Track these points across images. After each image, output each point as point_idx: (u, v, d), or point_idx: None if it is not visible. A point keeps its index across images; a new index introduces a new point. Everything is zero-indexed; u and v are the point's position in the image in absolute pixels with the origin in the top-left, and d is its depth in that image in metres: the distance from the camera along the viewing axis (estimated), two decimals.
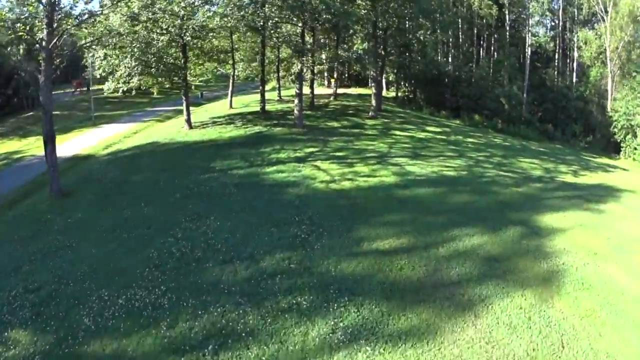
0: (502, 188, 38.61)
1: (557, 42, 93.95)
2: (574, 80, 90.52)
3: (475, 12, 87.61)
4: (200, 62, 63.83)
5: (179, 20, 49.44)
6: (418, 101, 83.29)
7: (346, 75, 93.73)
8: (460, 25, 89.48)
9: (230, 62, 68.49)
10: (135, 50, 48.99)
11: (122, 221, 30.46)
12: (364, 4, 58.82)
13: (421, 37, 70.83)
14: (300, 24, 54.03)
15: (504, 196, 36.53)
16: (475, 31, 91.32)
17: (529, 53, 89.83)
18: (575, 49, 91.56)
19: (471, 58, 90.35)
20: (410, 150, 48.04)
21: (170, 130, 57.53)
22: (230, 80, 70.62)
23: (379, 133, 54.28)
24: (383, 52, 68.07)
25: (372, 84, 64.49)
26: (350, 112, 64.79)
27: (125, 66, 50.38)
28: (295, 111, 53.82)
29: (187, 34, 50.58)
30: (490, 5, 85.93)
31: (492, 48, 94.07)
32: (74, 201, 35.01)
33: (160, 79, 56.66)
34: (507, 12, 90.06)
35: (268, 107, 64.86)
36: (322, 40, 66.93)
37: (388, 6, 60.11)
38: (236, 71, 71.41)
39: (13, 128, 77.88)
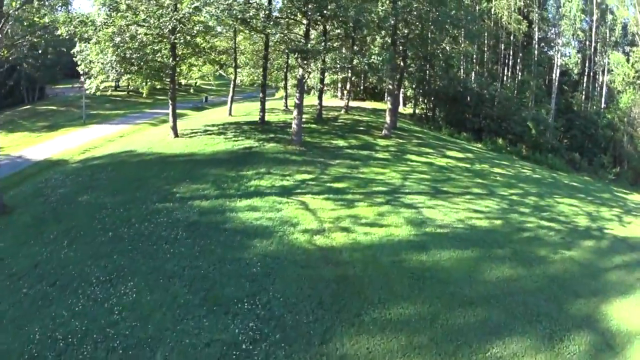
0: (550, 251, 27.38)
1: (586, 64, 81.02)
2: (602, 106, 78.44)
3: (503, 26, 74.87)
4: (194, 62, 52.43)
5: (161, 10, 38.96)
6: (437, 120, 70.85)
7: (361, 87, 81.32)
8: (486, 40, 76.60)
9: (233, 65, 57.97)
10: (112, 44, 38.89)
11: (33, 266, 23.16)
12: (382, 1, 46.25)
13: (446, 47, 57.65)
14: (304, 21, 41.52)
15: (554, 268, 25.72)
16: (502, 47, 78.09)
17: (558, 74, 77.23)
18: (606, 72, 79.17)
19: (495, 77, 77.25)
20: (429, 184, 36.24)
21: (154, 137, 47.53)
22: (231, 86, 58.88)
23: (392, 157, 42.28)
24: (402, 64, 55.46)
25: (388, 98, 52.02)
26: (361, 128, 52.80)
27: (100, 62, 40.02)
28: (294, 125, 41.97)
29: (168, 26, 38.65)
30: (520, 20, 73.71)
31: (517, 67, 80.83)
32: (7, 222, 28.37)
33: (146, 78, 46.54)
34: (536, 28, 77.57)
35: (270, 117, 54.03)
36: (334, 45, 54.68)
37: (410, 7, 47.22)
38: (240, 76, 60.23)
39: (5, 121, 70.49)
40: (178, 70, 48.88)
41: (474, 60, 75.49)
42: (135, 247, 24.01)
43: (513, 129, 69.10)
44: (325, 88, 76.39)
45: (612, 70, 77.77)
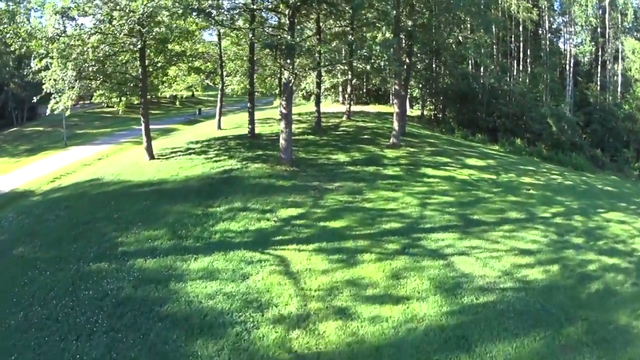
0: (629, 314, 18.09)
1: (599, 52, 70.48)
2: (618, 96, 67.88)
3: (512, 16, 64.31)
4: (172, 72, 44.51)
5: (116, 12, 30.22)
6: (448, 121, 60.52)
7: (364, 90, 71.09)
8: (494, 31, 66.04)
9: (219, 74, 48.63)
10: (66, 58, 30.85)
11: None
12: None
13: (459, 36, 47.10)
14: (287, 11, 31.65)
15: None
16: (512, 38, 67.42)
17: (572, 65, 66.90)
18: (620, 60, 68.37)
19: (506, 70, 66.57)
20: (454, 211, 26.45)
21: (130, 159, 38.18)
22: (219, 96, 49.09)
23: (404, 173, 32.48)
24: (408, 60, 45.30)
25: (394, 101, 41.52)
26: (366, 137, 43.08)
27: (61, 79, 31.65)
28: (282, 141, 32.40)
29: (124, 29, 29.42)
30: (529, 9, 63.06)
31: (528, 60, 70.06)
32: None
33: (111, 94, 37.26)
34: (546, 17, 67.22)
35: (263, 129, 44.78)
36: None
37: None
38: (230, 85, 50.93)
39: None
40: (152, 82, 39.84)
41: (489, 52, 65.01)
42: (40, 344, 15.75)
43: (531, 127, 59.32)
44: (325, 93, 66.74)
45: (627, 58, 67.78)
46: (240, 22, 30.58)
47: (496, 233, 23.59)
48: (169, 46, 37.16)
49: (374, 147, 38.44)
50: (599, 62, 70.96)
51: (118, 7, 30.12)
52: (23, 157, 53.04)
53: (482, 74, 64.21)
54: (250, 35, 33.65)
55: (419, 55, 51.01)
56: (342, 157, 34.63)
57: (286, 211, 24.69)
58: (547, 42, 69.91)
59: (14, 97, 75.82)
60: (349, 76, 51.79)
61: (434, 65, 60.89)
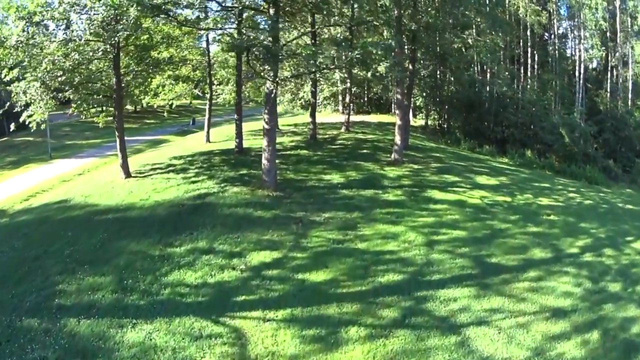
0: None
1: (609, 57, 64.32)
2: (629, 103, 61.79)
3: (519, 19, 58.42)
4: (155, 80, 40.10)
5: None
6: (453, 132, 54.74)
7: (365, 99, 65.44)
8: (500, 35, 60.26)
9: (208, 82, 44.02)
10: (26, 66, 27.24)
11: None
12: None
13: (469, 40, 41.21)
14: (271, 11, 26.09)
15: None
16: (521, 43, 61.41)
17: (582, 71, 61.00)
18: (630, 65, 62.14)
19: (514, 77, 60.56)
20: (468, 253, 21.03)
21: (106, 176, 33.08)
22: (207, 107, 43.77)
23: (407, 198, 27.00)
24: (411, 66, 39.64)
25: (397, 112, 35.87)
26: (365, 151, 37.70)
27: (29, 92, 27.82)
28: (264, 161, 27.02)
29: (87, 33, 25.57)
30: (538, 12, 57.20)
31: (535, 65, 63.98)
32: None
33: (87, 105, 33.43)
34: (555, 20, 61.39)
35: (255, 142, 39.13)
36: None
37: None
38: (222, 94, 45.80)
39: None
40: (132, 91, 35.89)
41: (499, 57, 59.05)
42: None
43: (542, 138, 53.45)
44: (325, 102, 61.19)
45: (637, 63, 62.06)
46: (211, 23, 24.84)
47: (520, 284, 18.19)
48: (153, 53, 32.89)
49: (373, 164, 32.99)
50: (609, 68, 65.01)
51: (76, 9, 24.73)
52: (6, 170, 47.90)
53: (488, 80, 58.33)
54: (227, 38, 27.96)
55: (422, 62, 45.33)
56: (336, 178, 29.21)
57: (258, 255, 19.42)
58: (556, 47, 64.00)
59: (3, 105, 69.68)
60: (348, 84, 46.27)
61: (438, 73, 55.18)
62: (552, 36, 64.83)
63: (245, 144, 36.96)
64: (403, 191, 27.63)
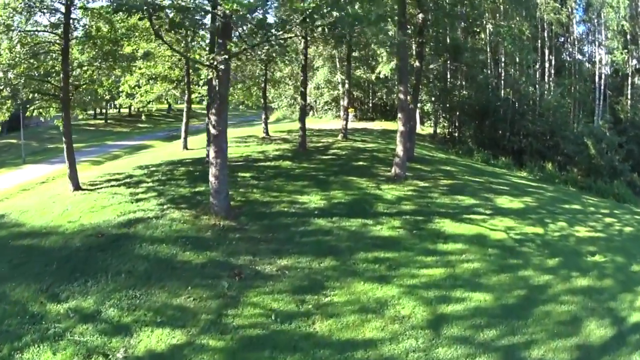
0: None
1: (630, 62, 54.70)
2: None
3: (537, 18, 48.85)
4: (125, 79, 33.87)
5: None
6: (465, 141, 45.55)
7: (369, 105, 56.40)
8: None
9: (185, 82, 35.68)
10: None
11: None
12: None
13: (489, 26, 31.43)
14: None
15: None
16: (539, 44, 51.70)
17: (605, 75, 51.72)
18: None
19: (532, 81, 50.78)
20: (496, 340, 12.20)
21: (58, 188, 25.75)
22: (185, 110, 35.17)
23: (407, 233, 18.24)
24: (418, 63, 30.44)
25: (399, 116, 26.35)
26: (361, 163, 29.08)
27: None
28: (211, 178, 18.31)
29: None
30: (557, 9, 47.91)
31: (552, 69, 54.19)
32: None
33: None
34: (575, 20, 52.15)
35: (237, 149, 31.30)
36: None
37: None
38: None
39: None
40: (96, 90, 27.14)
41: (503, 60, 49.42)
42: None
43: (563, 149, 44.18)
44: (326, 108, 52.39)
45: None
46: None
47: None
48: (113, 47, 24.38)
49: (368, 180, 24.26)
50: (630, 73, 55.33)
51: None
52: None
53: (502, 84, 48.96)
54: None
55: (431, 56, 35.98)
56: (314, 200, 20.51)
57: (152, 336, 11.39)
58: (576, 48, 54.57)
59: None
60: (346, 85, 37.39)
61: (448, 75, 46.11)
62: (571, 37, 55.34)
63: (229, 153, 28.23)
64: (402, 221, 18.80)
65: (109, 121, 65.08)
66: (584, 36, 57.92)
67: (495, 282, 14.67)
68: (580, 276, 16.15)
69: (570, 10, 52.05)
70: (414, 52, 30.93)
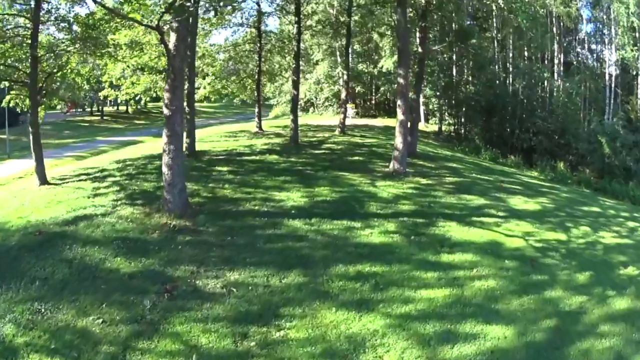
0: None
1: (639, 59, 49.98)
2: None
3: (546, 12, 44.23)
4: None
5: None
6: (472, 138, 41.15)
7: (372, 102, 52.01)
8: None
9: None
10: None
11: None
12: None
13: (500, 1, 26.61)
14: None
15: None
16: (548, 39, 47.08)
17: (614, 74, 47.07)
18: None
19: (540, 77, 46.01)
20: None
21: (28, 183, 21.77)
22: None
23: (403, 239, 13.95)
24: (421, 49, 26.06)
25: (398, 103, 21.88)
26: (357, 158, 24.74)
27: None
28: (164, 169, 14.20)
29: None
30: (567, 2, 43.43)
31: (562, 66, 49.42)
32: None
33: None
34: (585, 15, 47.67)
35: (227, 144, 27.93)
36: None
37: None
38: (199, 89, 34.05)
39: None
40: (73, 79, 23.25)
41: (511, 55, 44.67)
42: None
43: (575, 148, 39.65)
44: (326, 104, 48.25)
45: None
46: None
47: None
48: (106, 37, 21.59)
49: (362, 176, 20.03)
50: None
51: None
52: None
53: (511, 79, 44.42)
54: None
55: (435, 41, 31.46)
56: (294, 198, 16.36)
57: None
58: (586, 47, 49.89)
59: None
60: (345, 77, 33.19)
61: (454, 70, 41.81)
62: (579, 35, 50.76)
63: (211, 147, 26.13)
64: (398, 224, 14.58)
65: (105, 118, 61.08)
66: (592, 34, 53.39)
67: (516, 309, 10.48)
68: (617, 296, 12.08)
69: (578, 6, 47.62)
70: (417, 39, 26.60)
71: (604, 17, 49.02)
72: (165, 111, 13.88)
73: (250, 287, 10.44)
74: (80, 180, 18.98)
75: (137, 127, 53.46)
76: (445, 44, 29.29)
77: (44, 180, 18.98)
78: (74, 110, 63.72)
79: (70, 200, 15.98)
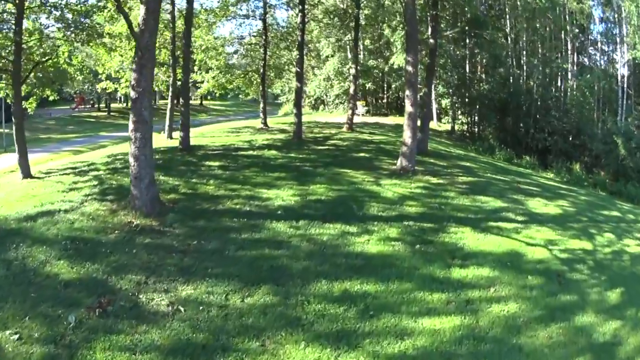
0: None
1: None
2: None
3: (560, 7, 40.92)
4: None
5: None
6: (486, 138, 38.17)
7: (384, 101, 49.14)
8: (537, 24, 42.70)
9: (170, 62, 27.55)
10: None
11: None
12: None
13: None
14: None
15: None
16: (563, 35, 43.67)
17: (626, 74, 43.85)
18: None
19: (558, 67, 42.68)
20: None
21: (13, 176, 19.01)
22: (169, 96, 28.76)
23: (407, 247, 11.18)
24: (432, 40, 23.33)
25: (407, 94, 19.05)
26: (362, 154, 21.98)
27: None
28: (130, 160, 11.47)
29: None
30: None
31: (574, 64, 46.02)
32: None
33: None
34: (598, 11, 44.50)
35: (227, 139, 25.35)
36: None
37: None
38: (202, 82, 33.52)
39: None
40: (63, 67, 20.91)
41: (525, 51, 41.53)
42: None
43: (591, 149, 36.48)
44: (337, 101, 45.72)
45: None
46: None
47: None
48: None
49: (366, 173, 17.43)
50: None
51: None
52: None
53: (525, 76, 41.35)
54: None
55: (449, 27, 28.51)
56: (284, 196, 13.89)
57: None
58: (598, 45, 46.60)
59: None
60: (353, 71, 30.57)
61: (467, 68, 38.97)
62: (592, 35, 47.52)
63: (210, 141, 24.02)
64: (402, 230, 12.00)
65: (112, 113, 58.84)
66: (603, 34, 50.06)
67: (543, 343, 7.91)
68: None
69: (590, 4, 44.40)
70: (429, 29, 23.88)
71: (615, 16, 45.84)
72: (132, 93, 11.48)
73: (202, 307, 7.98)
74: (63, 174, 16.99)
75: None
76: (458, 29, 26.39)
77: (27, 174, 17.15)
78: (83, 106, 61.93)
79: (44, 194, 14.04)
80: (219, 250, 9.97)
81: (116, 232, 10.74)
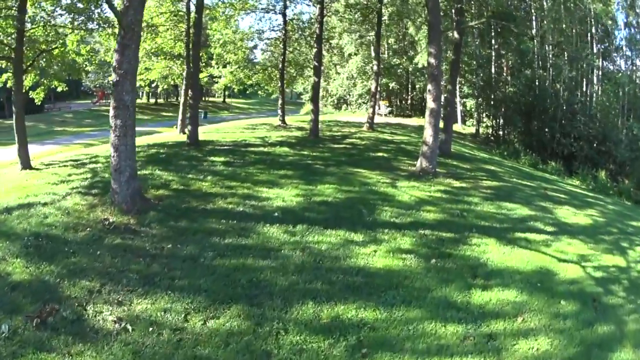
0: None
1: None
2: None
3: (584, 8, 38.15)
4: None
5: None
6: (512, 142, 35.86)
7: (407, 101, 47.07)
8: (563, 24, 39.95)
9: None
10: None
11: None
12: None
13: None
14: None
15: None
16: (589, 37, 40.91)
17: None
18: None
19: (589, 62, 39.76)
20: None
21: (12, 168, 17.07)
22: (183, 90, 27.16)
23: (421, 261, 9.32)
24: (457, 35, 21.32)
25: (428, 88, 16.98)
26: (381, 154, 20.00)
27: None
28: (111, 151, 10.17)
29: None
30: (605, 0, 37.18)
31: (599, 70, 42.96)
32: None
33: None
34: (618, 17, 41.60)
35: (242, 135, 23.67)
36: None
37: None
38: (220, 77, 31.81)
39: None
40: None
41: (551, 53, 38.96)
42: None
43: (617, 155, 34.07)
44: (359, 100, 43.99)
45: None
46: None
47: None
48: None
49: (383, 174, 15.65)
50: None
51: None
52: None
53: (551, 79, 38.76)
54: None
55: (474, 24, 26.28)
56: (285, 196, 12.21)
57: None
58: (623, 50, 43.77)
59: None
60: (375, 68, 28.72)
61: (492, 67, 36.68)
62: (616, 41, 44.74)
63: (221, 137, 22.44)
64: (416, 240, 10.16)
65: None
66: (627, 38, 47.08)
67: None
68: None
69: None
70: (453, 23, 21.88)
71: (639, 21, 43.00)
72: (113, 76, 9.88)
73: (153, 328, 6.30)
74: (62, 167, 15.86)
75: (162, 119, 50.22)
76: (484, 19, 24.11)
77: (26, 165, 16.26)
78: (104, 100, 61.42)
79: (35, 186, 12.88)
80: (193, 257, 8.27)
81: (88, 229, 9.19)
